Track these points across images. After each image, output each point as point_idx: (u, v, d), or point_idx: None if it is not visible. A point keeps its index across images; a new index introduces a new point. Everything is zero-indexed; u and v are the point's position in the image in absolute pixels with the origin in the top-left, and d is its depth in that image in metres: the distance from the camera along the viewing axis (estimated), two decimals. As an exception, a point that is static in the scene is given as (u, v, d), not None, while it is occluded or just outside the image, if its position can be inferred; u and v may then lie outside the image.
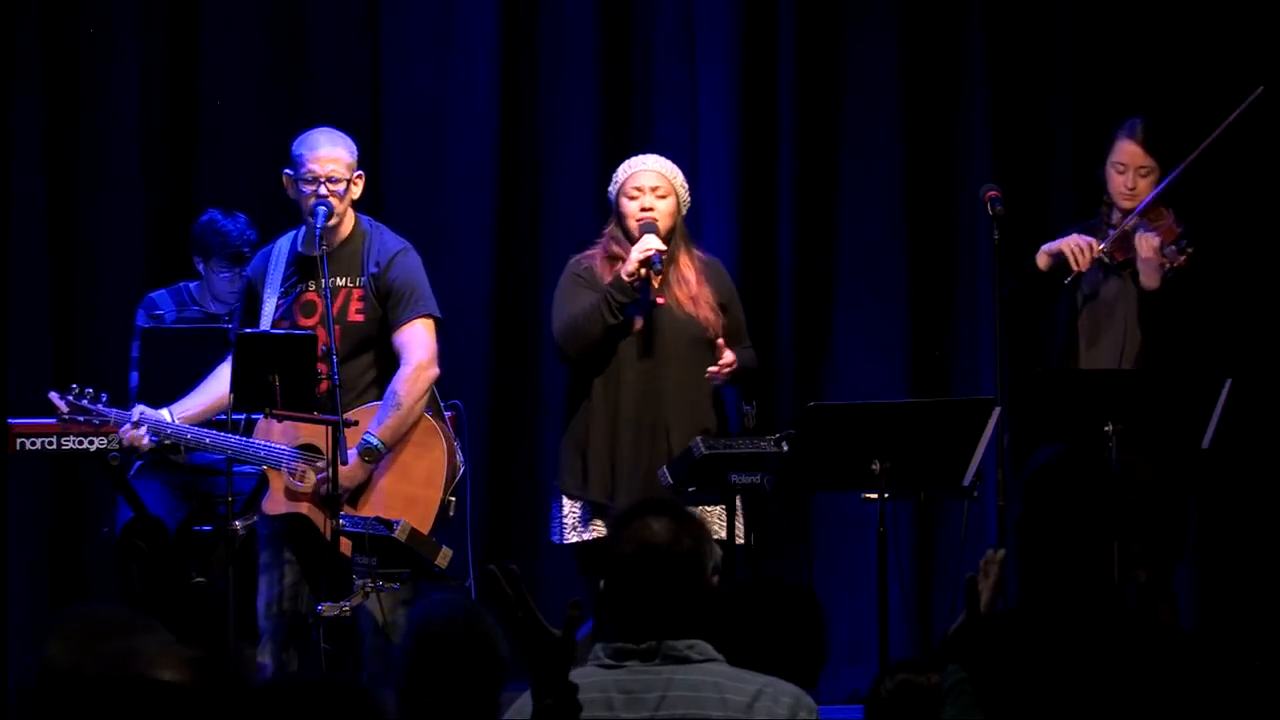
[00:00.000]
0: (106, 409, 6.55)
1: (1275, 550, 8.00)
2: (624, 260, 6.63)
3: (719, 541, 6.29)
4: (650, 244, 6.57)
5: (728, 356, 6.62)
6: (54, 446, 6.72)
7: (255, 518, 6.59)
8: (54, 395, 6.57)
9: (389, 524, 6.22)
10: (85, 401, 6.54)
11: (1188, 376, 6.54)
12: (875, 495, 6.13)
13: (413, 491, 6.50)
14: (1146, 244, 6.84)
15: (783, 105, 8.36)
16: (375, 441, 6.44)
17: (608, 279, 6.65)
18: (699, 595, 3.62)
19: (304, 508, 6.46)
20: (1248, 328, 7.99)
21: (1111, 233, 6.91)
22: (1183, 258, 6.78)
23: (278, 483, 6.49)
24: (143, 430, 6.51)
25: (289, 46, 8.25)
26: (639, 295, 6.61)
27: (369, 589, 6.14)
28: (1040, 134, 8.33)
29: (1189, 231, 6.86)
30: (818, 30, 8.37)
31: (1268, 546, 8.02)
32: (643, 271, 6.56)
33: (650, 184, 6.72)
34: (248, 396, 6.25)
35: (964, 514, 6.83)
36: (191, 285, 7.44)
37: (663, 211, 6.70)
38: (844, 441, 6.10)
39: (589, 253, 6.80)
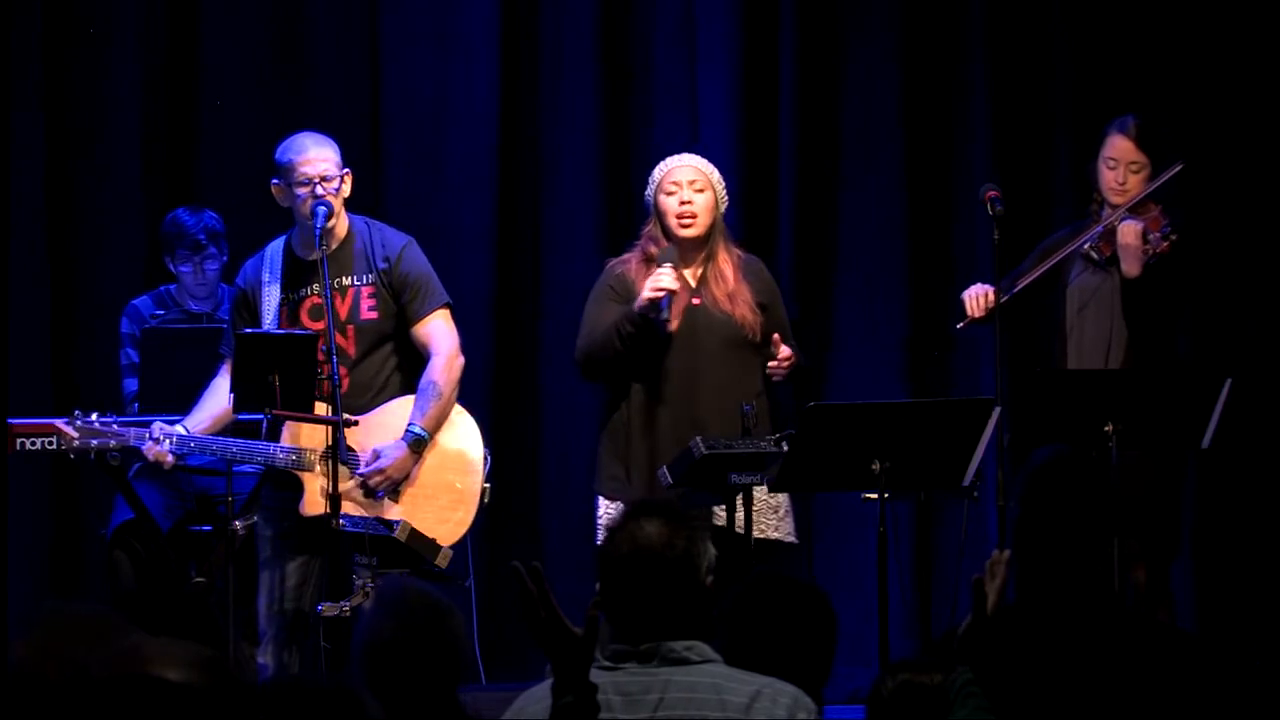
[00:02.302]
0: (122, 429, 6.47)
1: (1274, 550, 8.00)
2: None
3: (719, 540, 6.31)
4: (662, 281, 6.47)
5: (785, 351, 6.55)
6: (54, 446, 6.70)
7: (255, 517, 6.57)
8: (62, 423, 6.46)
9: (389, 524, 6.21)
10: (96, 424, 6.48)
11: (1187, 376, 6.55)
12: (875, 495, 6.12)
13: (453, 480, 6.52)
14: (1130, 230, 6.86)
15: (783, 105, 8.36)
16: (421, 431, 6.47)
17: (641, 283, 6.55)
18: (694, 596, 3.63)
19: (344, 506, 6.40)
20: (1247, 327, 7.99)
21: (1099, 228, 6.94)
22: (1166, 244, 6.80)
23: (313, 484, 6.45)
24: (165, 446, 6.45)
25: (289, 46, 8.25)
26: (652, 326, 6.49)
27: (369, 589, 6.13)
28: (1040, 134, 8.33)
29: (1175, 222, 6.88)
30: (818, 30, 8.37)
31: (1266, 546, 8.02)
32: (650, 313, 6.47)
33: (687, 179, 6.67)
34: (248, 397, 6.24)
35: (964, 514, 6.83)
36: (171, 287, 7.46)
37: (700, 206, 6.64)
38: (844, 441, 6.09)
39: (625, 256, 6.72)
